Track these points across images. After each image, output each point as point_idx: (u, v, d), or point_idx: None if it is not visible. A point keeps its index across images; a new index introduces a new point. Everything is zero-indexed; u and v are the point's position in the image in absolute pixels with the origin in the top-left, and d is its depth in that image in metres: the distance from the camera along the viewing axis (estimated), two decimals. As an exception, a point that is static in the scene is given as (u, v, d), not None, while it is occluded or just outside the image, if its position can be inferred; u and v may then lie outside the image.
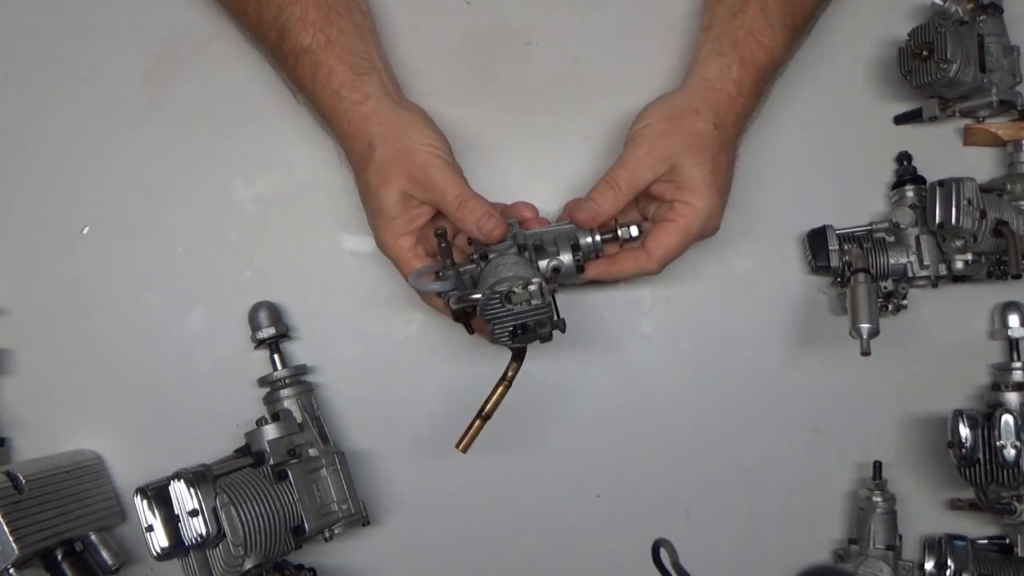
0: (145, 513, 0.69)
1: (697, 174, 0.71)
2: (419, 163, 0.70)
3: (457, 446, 0.68)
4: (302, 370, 0.80)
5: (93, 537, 0.77)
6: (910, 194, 0.82)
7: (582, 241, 0.72)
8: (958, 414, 0.77)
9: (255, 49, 0.80)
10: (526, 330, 0.66)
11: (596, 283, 0.80)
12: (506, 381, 0.69)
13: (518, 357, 0.69)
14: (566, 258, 0.71)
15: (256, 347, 0.80)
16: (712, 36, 0.76)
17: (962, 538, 0.80)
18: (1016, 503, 0.77)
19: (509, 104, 0.84)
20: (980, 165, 0.84)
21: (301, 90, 0.76)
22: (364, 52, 0.74)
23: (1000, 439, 0.75)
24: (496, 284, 0.65)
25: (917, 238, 0.80)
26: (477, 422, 0.69)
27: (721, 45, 0.75)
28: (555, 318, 0.67)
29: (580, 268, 0.72)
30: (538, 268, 0.69)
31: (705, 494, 0.83)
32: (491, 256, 0.70)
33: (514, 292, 0.65)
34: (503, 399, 0.69)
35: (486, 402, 0.69)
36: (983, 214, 0.76)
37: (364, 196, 0.74)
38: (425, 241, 0.73)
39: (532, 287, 0.65)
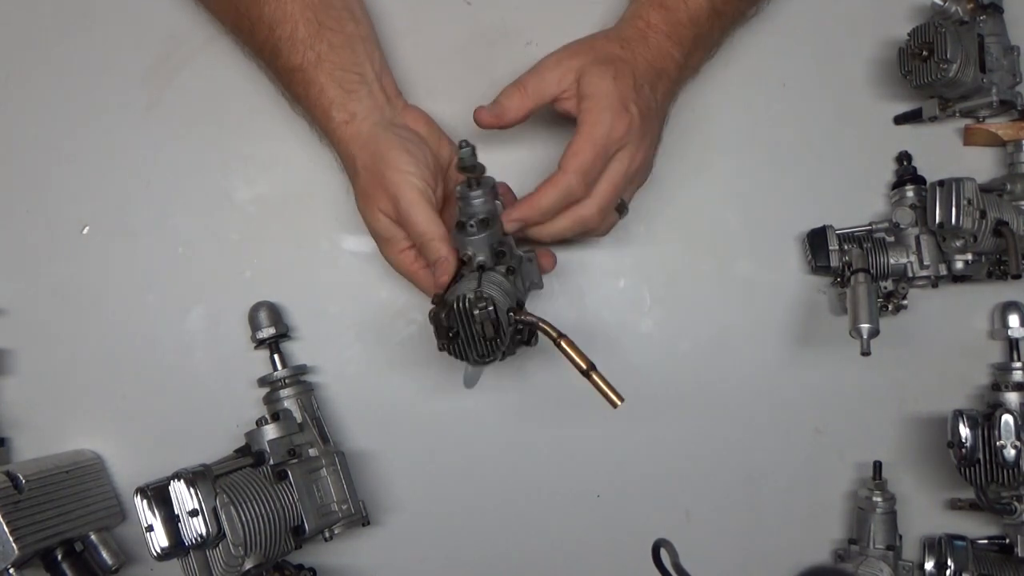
0: (145, 513, 0.69)
1: (598, 83, 0.72)
2: (392, 193, 0.71)
3: (616, 404, 0.66)
4: (302, 370, 0.80)
5: (93, 537, 0.77)
6: (910, 194, 0.82)
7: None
8: (958, 414, 0.77)
9: (254, 63, 0.81)
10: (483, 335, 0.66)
11: (596, 268, 0.81)
12: (562, 338, 0.67)
13: (539, 326, 0.67)
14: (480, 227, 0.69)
15: (256, 347, 0.80)
16: None
17: (962, 538, 0.80)
18: (1016, 503, 0.77)
19: (509, 104, 0.84)
20: (980, 165, 0.84)
21: (298, 104, 0.77)
22: (355, 66, 0.74)
23: (1000, 439, 0.75)
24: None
25: (917, 238, 0.80)
26: (594, 376, 0.67)
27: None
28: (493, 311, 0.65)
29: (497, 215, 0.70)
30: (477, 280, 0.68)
31: (705, 494, 0.83)
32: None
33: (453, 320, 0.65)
34: (578, 347, 0.67)
35: (575, 361, 0.67)
36: (983, 214, 0.76)
37: (359, 212, 0.75)
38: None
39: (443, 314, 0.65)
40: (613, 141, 0.71)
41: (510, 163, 0.81)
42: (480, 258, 0.69)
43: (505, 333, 0.65)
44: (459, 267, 0.70)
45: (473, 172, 0.67)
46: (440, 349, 0.67)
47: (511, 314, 0.66)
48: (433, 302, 0.67)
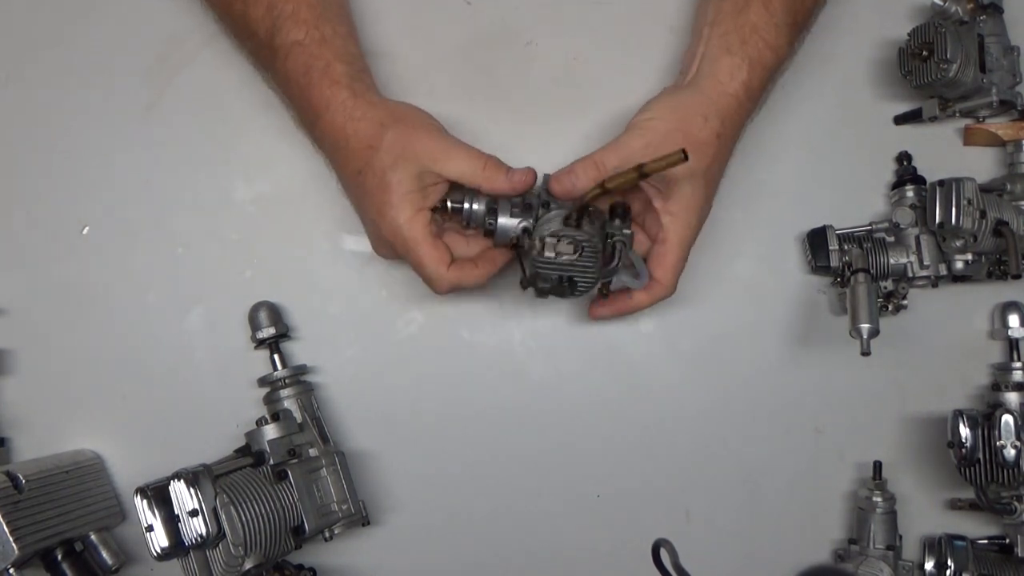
0: (145, 513, 0.69)
1: (689, 187, 0.71)
2: (435, 136, 0.71)
3: (685, 158, 0.64)
4: (302, 370, 0.80)
5: (93, 537, 0.77)
6: (910, 194, 0.82)
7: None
8: (958, 414, 0.77)
9: (242, 53, 0.80)
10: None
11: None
12: (602, 185, 0.66)
13: (586, 201, 0.67)
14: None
15: (256, 347, 0.80)
16: (719, 32, 0.75)
17: (962, 538, 0.80)
18: (1016, 503, 0.77)
19: (509, 104, 0.84)
20: (980, 165, 0.84)
21: (289, 84, 0.74)
22: (358, 56, 0.75)
23: (1000, 439, 0.75)
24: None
25: (917, 238, 0.80)
26: (648, 169, 0.64)
27: (729, 43, 0.74)
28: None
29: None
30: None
31: (705, 494, 0.83)
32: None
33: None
34: (618, 174, 0.66)
35: (629, 181, 0.65)
36: (983, 214, 0.76)
37: (366, 182, 0.71)
38: (435, 224, 0.72)
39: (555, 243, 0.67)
40: (696, 237, 0.74)
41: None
42: (520, 228, 0.71)
43: (587, 239, 0.66)
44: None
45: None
46: (587, 290, 0.69)
47: (567, 223, 0.66)
48: (524, 286, 0.69)
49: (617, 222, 0.69)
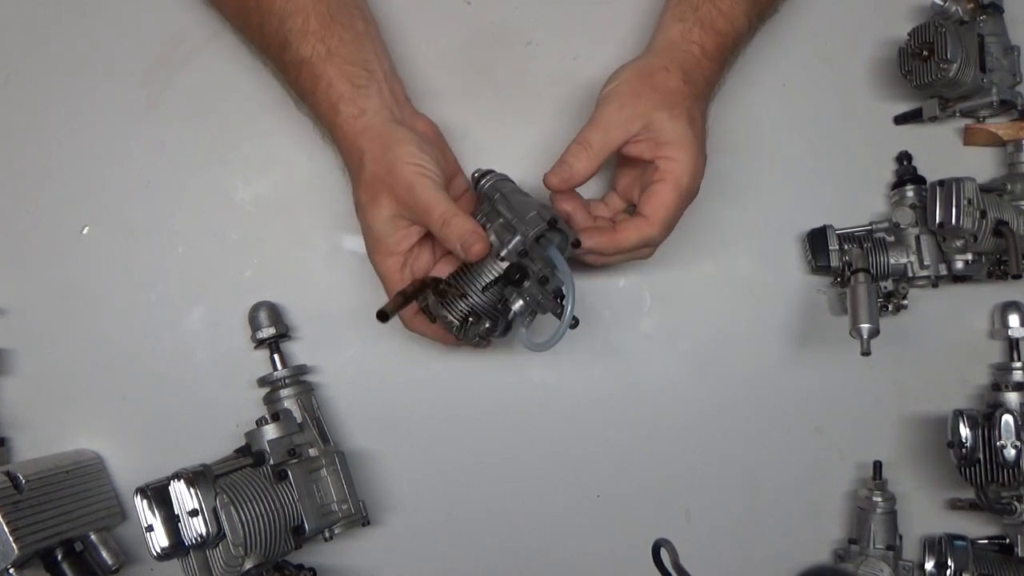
0: (145, 513, 0.69)
1: (675, 127, 0.71)
2: (404, 182, 0.68)
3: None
4: (302, 370, 0.80)
5: (93, 537, 0.77)
6: (910, 194, 0.82)
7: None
8: (958, 414, 0.77)
9: (259, 61, 0.80)
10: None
11: (596, 271, 0.80)
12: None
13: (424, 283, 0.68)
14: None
15: (256, 347, 0.80)
16: (672, 4, 0.77)
17: (962, 538, 0.80)
18: (1016, 503, 0.77)
19: (509, 104, 0.84)
20: (980, 165, 0.84)
21: (303, 100, 0.76)
22: (364, 62, 0.73)
23: (1000, 439, 0.75)
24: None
25: (917, 238, 0.80)
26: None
27: (682, 11, 0.75)
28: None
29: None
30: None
31: (705, 494, 0.83)
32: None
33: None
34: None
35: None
36: (983, 214, 0.76)
37: (356, 210, 0.73)
38: (414, 262, 0.72)
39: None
40: (695, 188, 0.72)
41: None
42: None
43: (482, 307, 0.69)
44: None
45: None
46: (494, 336, 0.71)
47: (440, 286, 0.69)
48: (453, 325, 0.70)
49: (517, 287, 0.68)
